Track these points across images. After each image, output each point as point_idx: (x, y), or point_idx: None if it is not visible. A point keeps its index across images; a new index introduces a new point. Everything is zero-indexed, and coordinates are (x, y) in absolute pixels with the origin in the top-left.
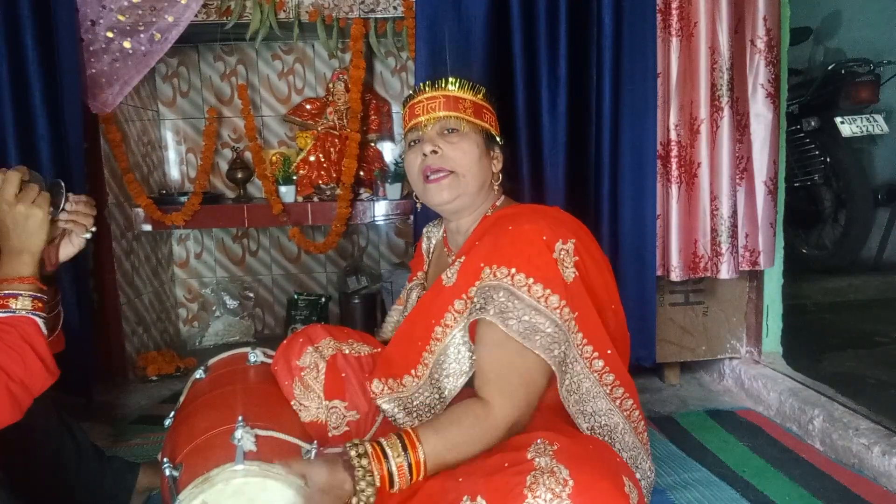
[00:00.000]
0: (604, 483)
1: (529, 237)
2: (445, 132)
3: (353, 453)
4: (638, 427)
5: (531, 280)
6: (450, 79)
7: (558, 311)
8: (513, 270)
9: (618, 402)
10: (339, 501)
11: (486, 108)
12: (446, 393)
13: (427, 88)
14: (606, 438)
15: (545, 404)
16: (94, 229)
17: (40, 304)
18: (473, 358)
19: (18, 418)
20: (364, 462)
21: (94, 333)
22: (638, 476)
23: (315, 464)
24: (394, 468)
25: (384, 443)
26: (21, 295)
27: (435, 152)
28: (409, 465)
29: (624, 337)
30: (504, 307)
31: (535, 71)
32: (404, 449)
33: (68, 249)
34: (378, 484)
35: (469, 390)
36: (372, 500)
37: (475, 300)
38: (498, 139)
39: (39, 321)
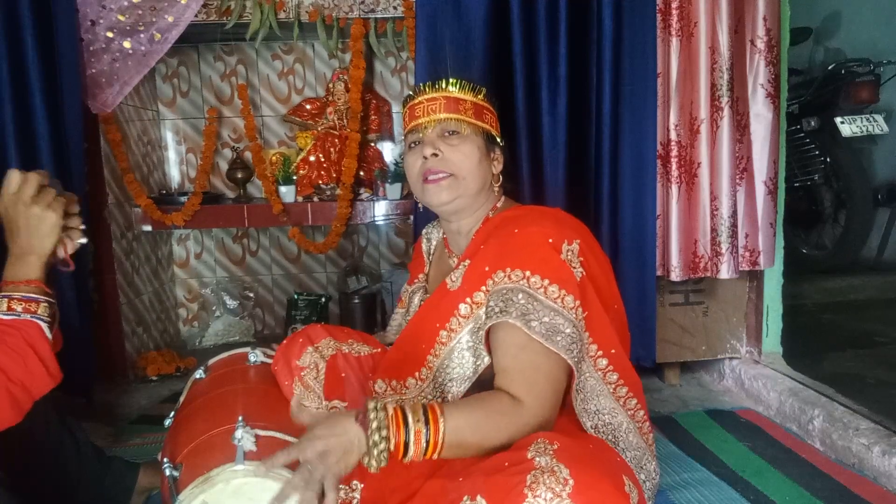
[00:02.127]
0: (604, 483)
1: (536, 240)
2: (446, 134)
3: (371, 407)
4: (643, 427)
5: (546, 282)
6: (450, 80)
7: (574, 311)
8: (527, 273)
9: (621, 401)
10: (344, 453)
11: (486, 109)
12: (449, 397)
13: (427, 89)
14: (610, 437)
15: None
16: (83, 228)
17: (45, 308)
18: (477, 363)
19: (18, 420)
20: (381, 416)
21: (94, 333)
22: (642, 477)
23: (326, 415)
24: (412, 436)
25: (407, 409)
26: (24, 297)
27: (435, 155)
28: (428, 439)
29: (625, 336)
30: (525, 309)
31: (535, 71)
32: (426, 418)
33: (61, 253)
34: (393, 443)
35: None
36: (384, 456)
37: (492, 304)
38: (498, 140)
39: (43, 325)
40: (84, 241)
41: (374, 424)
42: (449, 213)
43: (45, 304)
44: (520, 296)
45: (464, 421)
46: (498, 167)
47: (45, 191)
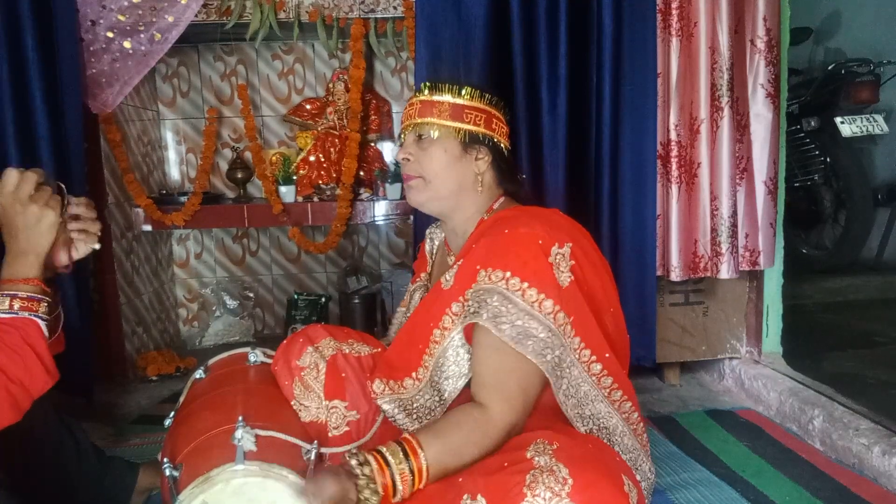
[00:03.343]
0: (603, 482)
1: (525, 241)
2: (420, 137)
3: (353, 462)
4: (637, 429)
5: (525, 284)
6: (427, 83)
7: (552, 315)
8: (507, 274)
9: (616, 404)
10: None
11: (469, 108)
12: (446, 395)
13: (415, 94)
14: (605, 441)
15: (544, 404)
16: (99, 233)
17: (44, 307)
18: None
19: (17, 419)
20: (367, 470)
21: (94, 333)
22: (638, 477)
23: (322, 477)
24: (397, 476)
25: (385, 451)
26: (23, 296)
27: (407, 160)
28: (412, 472)
29: (623, 340)
30: (497, 311)
31: (535, 71)
32: (405, 456)
33: (72, 255)
34: (381, 492)
35: (469, 391)
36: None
37: (469, 303)
38: (481, 137)
39: (41, 323)
40: (97, 246)
41: (364, 481)
42: (433, 213)
43: (45, 304)
44: (494, 297)
45: (442, 448)
46: (482, 166)
47: (43, 189)
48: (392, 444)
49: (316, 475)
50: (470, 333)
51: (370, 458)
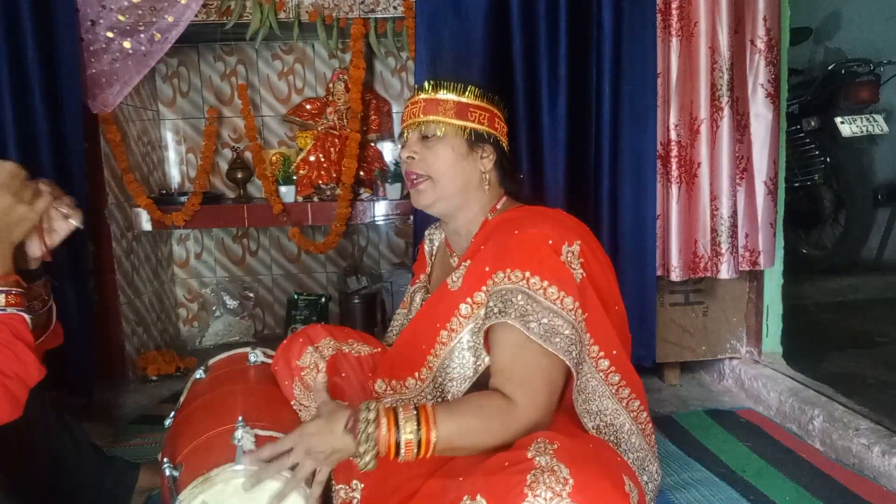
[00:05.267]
0: (604, 482)
1: (536, 241)
2: (425, 137)
3: (362, 416)
4: (646, 429)
5: (546, 283)
6: (430, 81)
7: (573, 312)
8: (527, 274)
9: (624, 402)
10: (329, 450)
11: (473, 107)
12: (449, 397)
13: (417, 92)
14: (612, 439)
15: (563, 406)
16: (65, 212)
17: (25, 301)
18: (477, 363)
19: (18, 415)
20: (371, 429)
21: (94, 333)
22: (645, 479)
23: (326, 408)
24: (402, 439)
25: (400, 413)
26: (16, 292)
27: (412, 158)
28: (419, 441)
29: (626, 337)
30: (524, 310)
31: (535, 71)
32: (418, 423)
33: (47, 242)
34: (383, 452)
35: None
36: (371, 465)
37: (491, 304)
38: (486, 136)
39: (26, 317)
40: (75, 223)
41: (363, 436)
42: (437, 214)
43: (21, 296)
44: (519, 297)
45: (455, 425)
46: (487, 165)
47: (27, 186)
48: (409, 408)
49: (326, 405)
50: (485, 335)
51: (382, 415)
